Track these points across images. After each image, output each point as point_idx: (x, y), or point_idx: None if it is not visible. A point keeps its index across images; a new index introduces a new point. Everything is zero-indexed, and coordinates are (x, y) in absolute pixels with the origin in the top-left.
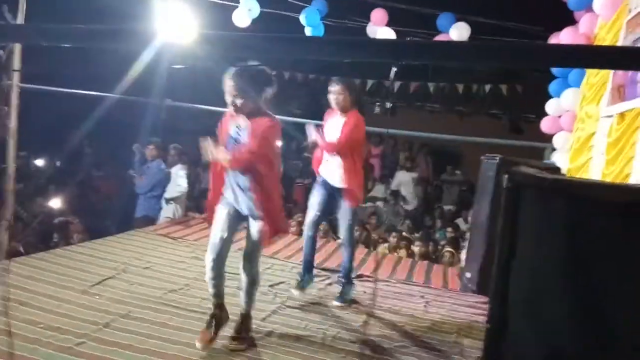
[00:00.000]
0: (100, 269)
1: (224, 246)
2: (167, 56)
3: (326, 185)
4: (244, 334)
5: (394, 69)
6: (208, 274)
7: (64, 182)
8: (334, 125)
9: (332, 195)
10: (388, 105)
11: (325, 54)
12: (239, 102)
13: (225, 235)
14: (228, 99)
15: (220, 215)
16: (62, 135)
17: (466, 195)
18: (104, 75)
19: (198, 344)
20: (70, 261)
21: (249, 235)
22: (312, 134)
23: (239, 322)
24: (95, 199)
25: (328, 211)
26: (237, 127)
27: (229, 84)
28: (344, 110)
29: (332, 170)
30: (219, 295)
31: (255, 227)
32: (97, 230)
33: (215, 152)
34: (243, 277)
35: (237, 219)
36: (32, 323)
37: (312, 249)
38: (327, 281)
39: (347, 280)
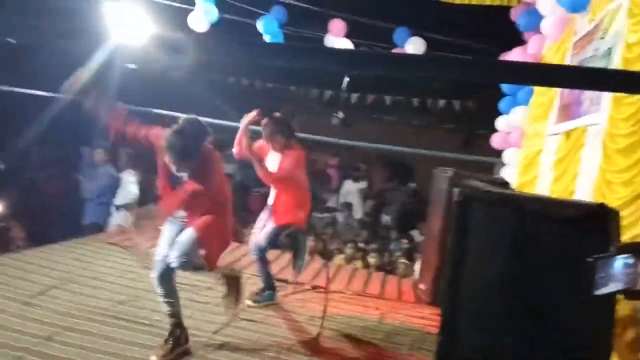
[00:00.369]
0: (44, 278)
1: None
2: (120, 57)
3: (269, 209)
4: (233, 291)
5: (347, 79)
6: (157, 292)
7: (7, 185)
8: (272, 161)
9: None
10: (340, 115)
11: (280, 60)
12: (177, 161)
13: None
14: (166, 156)
15: (166, 231)
16: (6, 136)
17: (412, 208)
18: (53, 74)
19: (153, 358)
20: (10, 269)
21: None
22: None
23: (224, 281)
24: (40, 203)
25: None
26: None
27: (167, 157)
28: (278, 150)
29: (273, 194)
30: (175, 314)
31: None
32: (41, 237)
33: None
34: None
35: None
36: None
37: (264, 268)
38: (281, 292)
39: (267, 286)
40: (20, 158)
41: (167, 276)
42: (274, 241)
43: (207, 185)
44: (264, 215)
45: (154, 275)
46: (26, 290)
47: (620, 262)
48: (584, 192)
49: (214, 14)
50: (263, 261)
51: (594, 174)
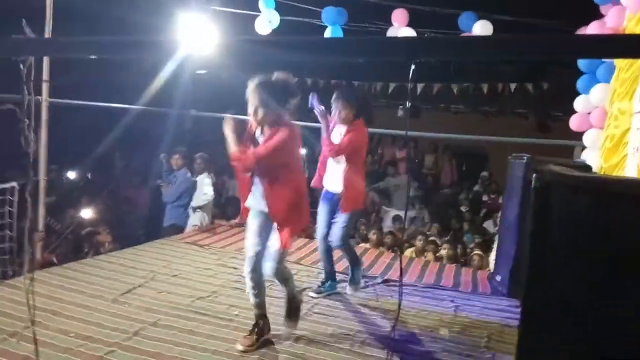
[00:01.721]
0: (129, 278)
1: (260, 258)
2: (191, 65)
3: (327, 196)
4: (293, 315)
5: (413, 67)
6: (248, 286)
7: (95, 194)
8: (337, 134)
9: (334, 204)
10: (402, 108)
11: (340, 55)
12: (260, 113)
13: (259, 248)
14: (250, 109)
15: (251, 226)
16: (92, 147)
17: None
18: (131, 87)
19: (239, 347)
20: (100, 270)
21: (273, 241)
22: (317, 106)
23: (287, 303)
24: (124, 209)
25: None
26: (260, 134)
27: (251, 95)
28: (345, 122)
29: (333, 177)
30: (260, 306)
31: (276, 233)
32: (126, 240)
33: (229, 136)
34: (276, 280)
35: (268, 226)
36: (63, 332)
37: (329, 260)
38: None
39: (355, 266)
40: (106, 168)
41: (260, 270)
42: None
43: (273, 154)
44: (323, 205)
45: (247, 269)
46: (114, 289)
47: None
48: None
49: (275, 20)
50: (347, 251)
51: None
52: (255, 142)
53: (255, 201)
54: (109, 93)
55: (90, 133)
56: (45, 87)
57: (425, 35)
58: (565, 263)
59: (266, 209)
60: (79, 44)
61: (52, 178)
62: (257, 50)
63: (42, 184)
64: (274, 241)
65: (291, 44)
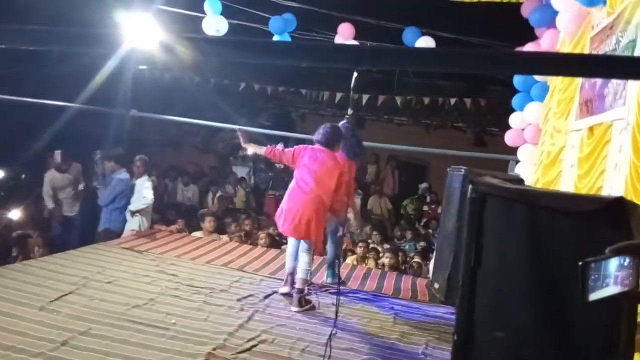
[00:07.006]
0: (60, 284)
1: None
2: (134, 62)
3: None
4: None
5: (355, 74)
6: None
7: (26, 195)
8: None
9: None
10: (350, 113)
11: (286, 58)
12: None
13: None
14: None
15: None
16: (25, 146)
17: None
18: (69, 84)
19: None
20: (29, 276)
21: None
22: None
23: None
24: (57, 211)
25: None
26: None
27: None
28: None
29: None
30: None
31: None
32: (59, 244)
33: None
34: None
35: None
36: None
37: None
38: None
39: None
40: (40, 168)
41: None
42: None
43: None
44: None
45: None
46: (42, 296)
47: (615, 264)
48: (614, 189)
49: (223, 28)
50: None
51: (625, 169)
52: None
53: None
54: (45, 89)
55: (24, 131)
56: None
57: (368, 44)
58: (497, 270)
59: None
60: (15, 32)
61: None
62: (204, 49)
63: None
64: None
65: (238, 45)
